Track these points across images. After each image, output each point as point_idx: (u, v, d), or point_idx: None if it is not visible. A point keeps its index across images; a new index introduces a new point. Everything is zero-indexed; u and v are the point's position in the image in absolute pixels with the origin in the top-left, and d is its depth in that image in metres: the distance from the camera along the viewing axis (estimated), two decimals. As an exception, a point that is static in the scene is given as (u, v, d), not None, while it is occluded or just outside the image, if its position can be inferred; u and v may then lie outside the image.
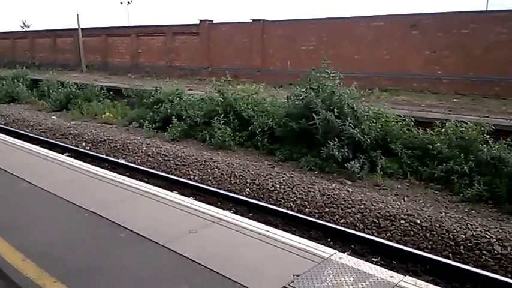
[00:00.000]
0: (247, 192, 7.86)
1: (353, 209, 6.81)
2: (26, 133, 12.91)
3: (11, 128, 13.59)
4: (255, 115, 10.91)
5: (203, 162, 9.17)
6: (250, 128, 10.71)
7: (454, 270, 5.23)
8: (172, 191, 6.51)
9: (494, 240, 5.68)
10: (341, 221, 6.66)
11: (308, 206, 7.14)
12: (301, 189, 7.57)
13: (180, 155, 9.79)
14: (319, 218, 6.77)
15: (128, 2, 45.45)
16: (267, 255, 3.66)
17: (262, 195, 7.68)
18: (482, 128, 8.27)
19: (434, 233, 6.01)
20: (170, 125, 11.85)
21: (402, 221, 6.34)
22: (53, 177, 5.85)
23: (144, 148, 10.49)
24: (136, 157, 10.12)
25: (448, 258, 5.58)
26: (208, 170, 8.82)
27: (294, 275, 3.29)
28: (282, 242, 3.86)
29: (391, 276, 3.31)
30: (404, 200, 7.39)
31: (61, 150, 10.28)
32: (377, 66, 16.12)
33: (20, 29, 46.32)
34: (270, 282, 3.23)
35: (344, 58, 16.12)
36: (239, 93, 11.66)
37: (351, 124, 8.68)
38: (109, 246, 3.83)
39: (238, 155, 10.31)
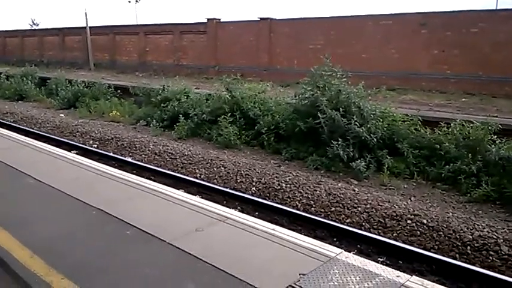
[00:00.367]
0: (253, 191, 7.86)
1: (359, 209, 6.79)
2: (34, 131, 13.01)
3: (19, 126, 13.71)
4: (261, 114, 10.91)
5: (209, 161, 9.19)
6: (256, 127, 10.72)
7: (461, 270, 5.20)
8: (178, 189, 6.52)
9: (502, 240, 5.64)
10: (347, 221, 6.65)
11: (314, 205, 7.13)
12: (307, 188, 7.57)
13: (186, 153, 9.82)
14: (325, 218, 6.76)
15: (136, 1, 45.71)
16: (274, 254, 3.67)
17: (268, 194, 7.69)
18: (490, 128, 8.20)
19: (441, 233, 5.98)
20: (177, 124, 11.89)
21: (409, 221, 6.31)
22: (61, 175, 5.89)
23: (151, 146, 10.54)
24: (143, 155, 10.17)
25: (455, 258, 5.55)
26: (215, 169, 8.84)
27: (300, 274, 3.29)
28: (288, 241, 3.86)
29: (398, 276, 3.30)
30: (411, 200, 7.35)
31: (68, 147, 10.36)
32: (385, 65, 16.03)
33: (28, 28, 46.65)
34: (276, 280, 3.24)
35: (352, 57, 16.07)
36: (246, 92, 11.66)
37: (356, 123, 8.64)
38: (116, 244, 3.86)
39: (245, 153, 10.31)
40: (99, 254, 3.66)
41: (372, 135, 8.68)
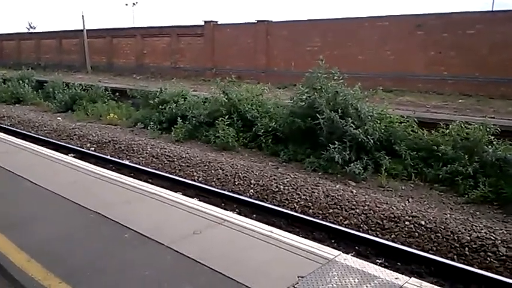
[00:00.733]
0: (251, 193, 7.86)
1: (357, 210, 6.80)
2: (32, 134, 12.99)
3: (16, 129, 13.68)
4: (259, 116, 10.91)
5: (207, 163, 9.18)
6: (254, 129, 10.72)
7: (459, 272, 5.20)
8: (176, 191, 6.51)
9: (499, 241, 5.65)
10: (345, 222, 6.65)
11: (312, 207, 7.13)
12: (305, 190, 7.57)
13: (184, 156, 9.81)
14: (323, 219, 6.76)
15: (133, 4, 45.68)
16: (271, 256, 3.66)
17: (266, 196, 7.68)
18: (487, 129, 8.22)
19: (439, 234, 5.99)
20: (175, 126, 11.89)
21: (407, 223, 6.32)
22: (58, 178, 5.87)
23: (149, 149, 10.52)
24: (140, 158, 10.15)
25: (453, 259, 5.56)
26: (212, 171, 8.83)
27: (298, 276, 3.28)
28: (286, 243, 3.86)
29: (396, 278, 3.30)
30: (409, 202, 7.36)
31: (66, 151, 10.33)
32: (382, 66, 16.08)
33: (25, 31, 46.55)
34: (274, 283, 3.23)
35: (349, 59, 16.12)
36: (243, 94, 11.66)
37: (352, 124, 8.64)
38: (113, 247, 3.84)
39: (242, 156, 10.31)
40: (96, 257, 3.64)
41: (369, 137, 8.68)
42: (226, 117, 10.88)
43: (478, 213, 6.95)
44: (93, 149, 11.30)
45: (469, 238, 5.80)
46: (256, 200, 7.55)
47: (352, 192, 7.50)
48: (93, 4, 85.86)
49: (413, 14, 15.97)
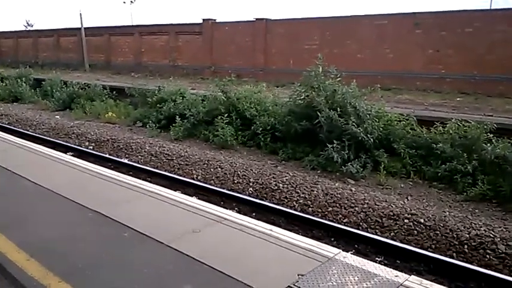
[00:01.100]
0: (250, 192, 7.85)
1: (356, 208, 6.80)
2: (30, 132, 12.94)
3: (14, 128, 13.63)
4: (257, 114, 10.90)
5: (206, 162, 9.17)
6: (252, 127, 10.71)
7: (458, 269, 5.21)
8: (175, 190, 6.51)
9: (498, 239, 5.65)
10: (344, 221, 6.65)
11: (311, 205, 7.13)
12: (304, 189, 7.57)
13: (183, 154, 9.79)
14: (323, 218, 6.76)
15: (131, 2, 45.48)
16: (271, 255, 3.66)
17: (265, 195, 7.68)
18: (485, 127, 8.24)
19: (438, 232, 6.00)
20: (173, 124, 11.87)
21: (406, 220, 6.32)
22: (57, 177, 5.86)
23: (147, 147, 10.50)
24: (139, 156, 10.13)
25: (452, 257, 5.57)
26: (211, 170, 8.82)
27: (298, 275, 3.28)
28: (285, 242, 3.85)
29: (396, 276, 3.30)
30: (408, 199, 7.37)
31: (64, 149, 10.30)
32: (380, 65, 16.09)
33: (23, 29, 46.42)
34: (274, 281, 3.23)
35: (347, 57, 16.14)
36: (241, 93, 11.65)
37: (354, 123, 8.65)
38: (113, 246, 3.83)
39: (241, 154, 10.30)
40: (96, 256, 3.63)
41: (368, 135, 8.69)
42: (225, 115, 10.86)
43: (476, 211, 6.97)
44: (91, 147, 11.27)
45: (468, 236, 5.81)
46: (255, 198, 7.54)
47: (351, 190, 7.50)
48: (90, 2, 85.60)
49: (412, 12, 16.00)
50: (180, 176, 8.73)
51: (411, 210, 6.58)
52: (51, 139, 12.00)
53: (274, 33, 19.61)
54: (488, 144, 7.84)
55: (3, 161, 6.50)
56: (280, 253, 3.68)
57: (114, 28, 27.28)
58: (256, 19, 20.07)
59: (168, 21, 25.85)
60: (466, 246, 5.70)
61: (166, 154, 9.94)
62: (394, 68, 15.87)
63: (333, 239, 6.10)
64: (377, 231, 6.32)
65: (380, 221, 6.46)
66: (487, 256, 5.49)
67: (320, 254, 3.61)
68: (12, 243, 3.81)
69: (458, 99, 13.30)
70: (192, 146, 10.98)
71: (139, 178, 6.80)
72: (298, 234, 4.69)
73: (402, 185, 8.14)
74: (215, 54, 21.53)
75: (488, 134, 8.14)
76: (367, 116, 9.06)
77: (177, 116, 11.93)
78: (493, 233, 5.80)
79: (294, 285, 3.15)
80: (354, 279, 3.22)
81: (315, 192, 7.42)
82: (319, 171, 8.84)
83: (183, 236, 3.98)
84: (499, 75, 13.78)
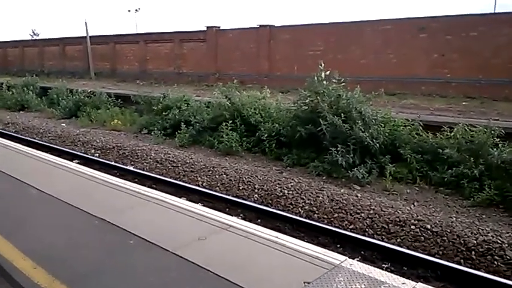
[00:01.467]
0: (256, 198, 7.84)
1: (362, 215, 6.76)
2: (36, 140, 13.02)
3: (21, 136, 13.73)
4: (262, 120, 10.91)
5: (211, 168, 9.18)
6: (257, 133, 10.71)
7: (466, 276, 5.16)
8: (180, 197, 6.51)
9: (506, 245, 5.59)
10: (350, 227, 6.61)
11: (317, 212, 7.10)
12: (310, 195, 7.54)
13: (188, 161, 9.81)
14: (328, 224, 6.73)
15: (136, 10, 45.89)
16: (277, 262, 3.64)
17: (270, 201, 7.66)
18: (492, 132, 8.18)
19: (445, 238, 5.94)
20: (179, 131, 11.90)
21: (412, 227, 6.27)
22: (63, 185, 5.88)
23: (153, 155, 10.53)
24: (145, 164, 10.16)
25: (460, 264, 5.51)
26: (217, 176, 8.82)
27: (304, 282, 3.25)
28: (291, 249, 3.83)
29: (403, 283, 3.26)
30: (414, 205, 7.32)
31: (70, 157, 10.35)
32: (385, 70, 16.07)
33: (29, 38, 46.88)
34: (280, 289, 3.21)
35: (352, 63, 16.13)
36: (246, 99, 11.66)
37: (360, 128, 8.64)
38: (118, 253, 3.83)
39: (246, 160, 10.30)
40: (102, 264, 3.64)
41: (374, 140, 8.67)
42: (230, 122, 10.88)
43: (484, 216, 6.90)
44: (97, 155, 11.31)
45: (475, 242, 5.76)
46: (260, 205, 7.53)
47: (357, 196, 7.46)
48: (96, 11, 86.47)
49: (416, 17, 16.01)
50: (185, 182, 8.74)
51: (418, 216, 6.53)
52: (58, 147, 12.07)
53: (278, 40, 19.66)
54: (495, 149, 7.79)
55: (11, 169, 6.54)
56: (285, 260, 3.66)
57: (119, 36, 27.48)
58: (260, 26, 20.13)
59: (173, 29, 25.93)
60: (473, 253, 5.64)
61: (171, 161, 9.96)
62: (399, 73, 15.84)
63: (339, 246, 6.06)
64: (383, 237, 6.28)
65: (386, 227, 6.42)
66: (495, 262, 5.43)
67: (326, 261, 3.58)
68: (19, 250, 3.82)
69: (463, 103, 13.23)
70: (197, 152, 11.00)
71: (145, 185, 6.82)
72: (304, 241, 4.66)
73: (408, 191, 8.08)
74: (219, 61, 21.60)
75: (495, 138, 8.08)
76: (373, 121, 9.04)
77: (182, 123, 11.98)
78: (500, 238, 5.74)
79: (300, 292, 3.13)
80: (361, 287, 3.20)
81: (321, 198, 7.39)
82: (324, 177, 8.81)
83: (189, 244, 3.97)
84: (505, 79, 13.71)
